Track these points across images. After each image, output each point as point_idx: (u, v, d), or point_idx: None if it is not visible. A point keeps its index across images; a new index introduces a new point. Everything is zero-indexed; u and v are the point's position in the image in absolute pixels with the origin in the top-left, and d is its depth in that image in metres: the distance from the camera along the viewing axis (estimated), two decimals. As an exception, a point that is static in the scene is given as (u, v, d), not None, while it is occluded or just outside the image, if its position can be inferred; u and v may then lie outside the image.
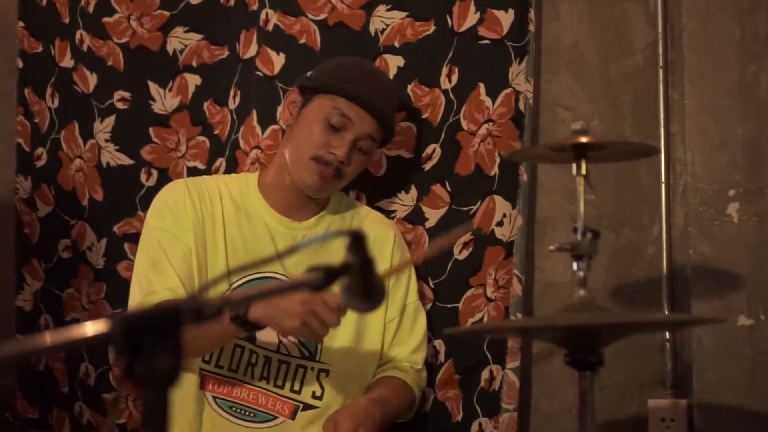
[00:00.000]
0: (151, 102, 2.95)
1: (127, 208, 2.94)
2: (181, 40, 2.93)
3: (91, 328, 1.06)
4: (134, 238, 2.87)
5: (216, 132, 2.87)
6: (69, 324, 3.02)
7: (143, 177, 2.94)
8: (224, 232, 2.32)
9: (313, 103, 2.34)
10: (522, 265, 2.47)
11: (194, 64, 2.91)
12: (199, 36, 2.91)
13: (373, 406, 2.22)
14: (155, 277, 2.24)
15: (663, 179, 2.46)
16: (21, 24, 3.19)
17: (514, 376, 2.44)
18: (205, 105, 2.90)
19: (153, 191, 2.86)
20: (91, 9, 3.04)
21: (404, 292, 2.41)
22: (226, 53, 2.89)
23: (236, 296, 1.25)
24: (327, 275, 1.32)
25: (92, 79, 3.03)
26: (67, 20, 3.09)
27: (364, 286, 1.45)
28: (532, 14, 2.50)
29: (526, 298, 2.51)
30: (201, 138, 2.90)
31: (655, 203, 2.47)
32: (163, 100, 2.94)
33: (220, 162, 2.82)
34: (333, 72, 2.38)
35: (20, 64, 3.19)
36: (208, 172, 2.84)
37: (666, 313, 2.44)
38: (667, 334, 2.43)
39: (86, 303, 3.00)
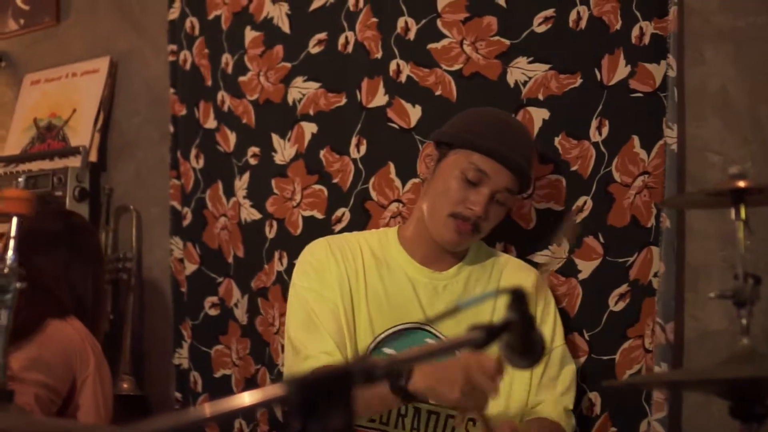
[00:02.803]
0: (273, 154, 3.00)
1: (258, 263, 3.00)
2: (300, 90, 2.98)
3: (267, 392, 1.10)
4: (263, 293, 2.96)
5: (335, 181, 2.89)
6: (218, 380, 3.09)
7: (267, 229, 2.99)
8: (366, 286, 2.35)
9: (449, 158, 2.35)
10: (666, 313, 2.41)
11: (311, 112, 2.95)
12: (317, 84, 2.96)
13: None
14: (309, 339, 2.28)
15: (820, 221, 2.38)
16: (172, 90, 3.32)
17: (661, 427, 2.39)
18: (322, 153, 2.92)
19: (274, 243, 2.95)
20: (229, 70, 3.14)
21: (549, 335, 2.38)
22: (343, 100, 2.91)
23: (403, 357, 1.26)
24: (488, 333, 1.33)
25: (232, 138, 3.12)
26: (209, 83, 3.20)
27: (524, 343, 1.45)
28: (670, 60, 2.46)
29: (677, 347, 2.46)
30: (318, 187, 2.92)
31: (813, 246, 2.39)
32: (283, 150, 2.98)
33: (343, 212, 2.85)
34: (467, 126, 2.38)
35: (171, 129, 3.31)
36: (327, 222, 2.86)
37: (830, 359, 2.36)
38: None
39: (236, 359, 3.06)
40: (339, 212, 2.87)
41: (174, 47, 3.33)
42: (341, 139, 2.89)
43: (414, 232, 2.42)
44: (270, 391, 1.10)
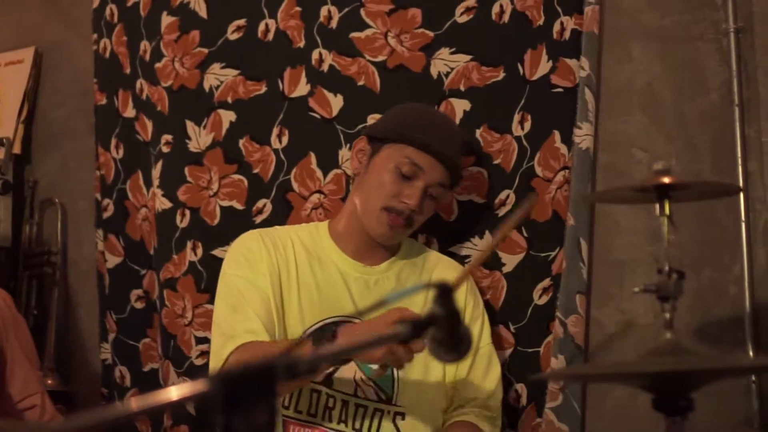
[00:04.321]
0: (187, 141, 2.94)
1: (166, 253, 2.94)
2: (218, 77, 2.93)
3: (190, 387, 1.08)
4: (170, 284, 2.89)
5: (255, 171, 2.84)
6: (147, 375, 3.05)
7: (178, 219, 2.92)
8: (297, 278, 2.35)
9: (382, 152, 2.36)
10: (568, 308, 2.47)
11: (229, 100, 2.90)
12: (236, 71, 2.91)
13: None
14: (235, 320, 2.26)
15: (743, 218, 2.42)
16: (95, 80, 3.26)
17: (553, 415, 2.45)
18: (241, 142, 2.87)
19: (186, 233, 2.88)
20: (147, 57, 3.08)
21: (477, 334, 2.39)
22: (263, 89, 2.87)
23: (328, 350, 1.26)
24: (414, 327, 1.33)
25: (150, 127, 3.05)
26: (128, 71, 3.14)
27: (451, 337, 1.45)
28: (582, 61, 2.51)
29: (587, 342, 2.51)
30: (237, 176, 2.87)
31: (736, 242, 2.43)
32: (198, 138, 2.92)
33: (264, 203, 2.81)
34: (399, 120, 2.39)
35: (94, 119, 3.25)
36: (248, 212, 2.82)
37: (750, 352, 2.40)
38: (753, 376, 2.39)
39: (162, 352, 3.02)
40: (260, 203, 2.82)
41: (96, 36, 3.27)
42: (262, 129, 2.85)
43: (346, 226, 2.42)
44: (194, 386, 1.09)
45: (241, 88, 2.89)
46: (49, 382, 3.22)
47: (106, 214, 3.17)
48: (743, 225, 2.42)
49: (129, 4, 3.17)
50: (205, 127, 2.92)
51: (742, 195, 2.41)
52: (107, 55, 3.22)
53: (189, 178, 2.92)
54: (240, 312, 2.27)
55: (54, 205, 3.41)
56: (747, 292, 2.41)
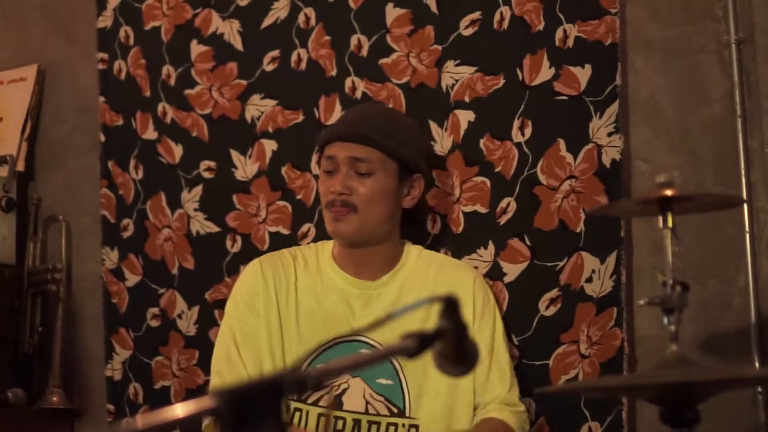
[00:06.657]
0: (233, 169, 3.01)
1: (216, 275, 3.00)
2: (258, 107, 2.99)
3: (198, 403, 1.09)
4: (222, 305, 2.91)
5: (299, 197, 2.90)
6: (158, 391, 3.06)
7: (228, 244, 3.00)
8: (296, 303, 2.38)
9: None
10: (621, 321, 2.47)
11: (270, 129, 2.97)
12: (274, 102, 2.97)
13: None
14: (226, 374, 2.32)
15: (747, 229, 2.42)
16: (102, 99, 3.28)
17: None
18: (283, 170, 2.94)
19: (237, 257, 2.95)
20: (172, 82, 3.13)
21: (490, 334, 2.38)
22: (301, 117, 2.93)
23: (334, 366, 1.26)
24: (421, 342, 1.33)
25: (177, 150, 3.10)
26: (148, 93, 3.17)
27: (457, 351, 1.45)
28: (619, 68, 2.51)
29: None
30: (282, 203, 2.93)
31: (740, 253, 2.42)
32: (245, 167, 2.99)
33: (308, 227, 2.86)
34: None
35: (102, 138, 3.27)
36: (293, 237, 2.87)
37: (756, 364, 2.39)
38: (759, 387, 2.38)
39: (176, 370, 3.04)
40: (304, 228, 2.88)
41: (104, 56, 3.29)
42: (301, 156, 2.91)
43: (338, 246, 2.46)
44: (201, 402, 1.09)
45: (280, 117, 2.96)
46: (55, 399, 3.22)
47: (125, 234, 3.19)
48: (747, 236, 2.42)
49: (147, 27, 3.21)
50: (250, 156, 2.99)
51: (745, 206, 2.41)
52: (122, 76, 3.25)
53: (238, 206, 3.00)
54: (232, 367, 2.33)
55: (58, 222, 3.41)
56: (752, 303, 2.41)
